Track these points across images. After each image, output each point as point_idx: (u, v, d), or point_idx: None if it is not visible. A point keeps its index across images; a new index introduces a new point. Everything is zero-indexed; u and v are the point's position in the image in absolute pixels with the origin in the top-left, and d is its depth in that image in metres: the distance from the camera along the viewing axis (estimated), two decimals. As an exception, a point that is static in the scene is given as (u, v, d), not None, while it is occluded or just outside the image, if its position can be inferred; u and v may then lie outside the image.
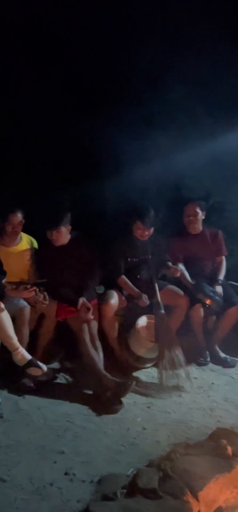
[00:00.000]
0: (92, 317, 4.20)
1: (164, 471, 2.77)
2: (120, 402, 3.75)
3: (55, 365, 4.44)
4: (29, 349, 4.15)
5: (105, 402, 3.76)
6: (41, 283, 4.14)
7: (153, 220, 4.53)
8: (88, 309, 4.14)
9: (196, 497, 2.58)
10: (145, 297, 4.43)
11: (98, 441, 3.26)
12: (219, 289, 4.75)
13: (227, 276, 5.05)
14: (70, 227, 4.26)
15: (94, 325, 4.28)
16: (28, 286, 3.98)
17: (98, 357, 4.06)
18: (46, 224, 4.27)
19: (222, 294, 4.71)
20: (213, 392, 4.07)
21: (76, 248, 4.31)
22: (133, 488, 2.66)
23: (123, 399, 3.82)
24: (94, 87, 5.44)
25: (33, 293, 3.95)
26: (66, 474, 2.90)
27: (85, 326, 4.15)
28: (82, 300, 4.15)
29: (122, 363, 4.45)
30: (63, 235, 4.23)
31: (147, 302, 4.43)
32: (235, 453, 2.97)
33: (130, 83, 5.38)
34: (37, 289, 3.99)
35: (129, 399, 3.86)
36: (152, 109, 5.27)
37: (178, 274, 4.60)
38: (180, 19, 5.20)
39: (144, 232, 4.53)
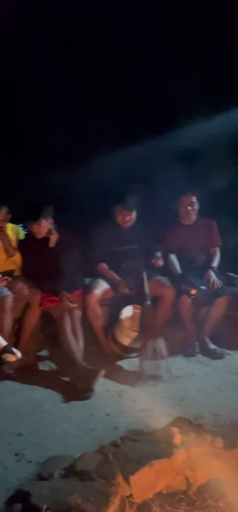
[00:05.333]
0: (74, 305, 4.28)
1: (105, 456, 2.81)
2: (91, 389, 3.81)
3: (44, 352, 4.57)
4: (14, 337, 4.32)
5: (79, 389, 3.83)
6: (11, 272, 4.27)
7: (133, 203, 4.54)
8: (69, 298, 4.22)
9: (127, 481, 2.60)
10: (124, 283, 4.43)
11: (58, 426, 3.34)
12: (211, 276, 4.67)
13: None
14: (51, 220, 4.35)
15: (77, 314, 4.35)
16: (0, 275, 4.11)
17: (77, 345, 4.13)
18: (26, 217, 4.39)
19: (215, 281, 4.62)
20: (190, 383, 4.04)
21: (58, 239, 4.40)
22: (70, 470, 2.73)
23: (98, 387, 3.89)
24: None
25: (5, 282, 4.08)
26: (16, 454, 3.00)
27: (66, 315, 4.23)
28: (62, 291, 4.23)
29: (107, 352, 4.49)
30: (44, 227, 4.32)
31: (126, 289, 4.43)
32: (185, 443, 2.95)
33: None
34: (9, 279, 4.11)
35: (102, 387, 3.92)
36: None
37: (161, 264, 4.58)
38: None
39: (125, 217, 4.55)
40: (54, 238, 4.38)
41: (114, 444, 2.94)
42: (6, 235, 4.40)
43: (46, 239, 4.40)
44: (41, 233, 4.32)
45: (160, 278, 4.70)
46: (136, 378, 4.11)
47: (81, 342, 4.22)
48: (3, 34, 5.68)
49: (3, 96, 6.81)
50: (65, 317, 4.21)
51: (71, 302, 4.26)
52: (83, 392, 3.78)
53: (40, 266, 4.36)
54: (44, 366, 4.35)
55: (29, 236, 4.52)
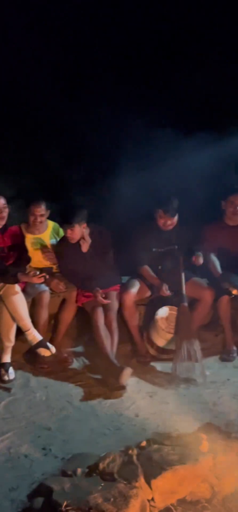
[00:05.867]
0: (107, 301, 4.28)
1: (129, 457, 2.80)
2: (123, 387, 3.81)
3: (79, 348, 4.61)
4: (50, 332, 4.39)
5: (111, 388, 3.84)
6: (49, 270, 4.33)
7: (175, 209, 4.48)
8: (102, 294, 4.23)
9: (149, 485, 2.58)
10: (165, 287, 4.39)
11: (86, 423, 3.37)
12: None
13: None
14: (85, 224, 4.35)
15: (113, 309, 4.34)
16: (37, 272, 4.17)
17: (109, 341, 4.12)
18: (60, 221, 4.44)
19: None
20: (224, 388, 3.93)
21: (93, 241, 4.41)
22: (93, 469, 2.74)
23: (130, 386, 3.88)
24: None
25: (43, 279, 4.15)
26: (43, 449, 3.05)
27: (99, 309, 4.23)
28: (96, 287, 4.26)
29: (141, 352, 4.47)
30: (77, 233, 4.32)
31: (167, 292, 4.39)
32: (212, 450, 2.89)
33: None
34: (47, 276, 4.17)
35: (134, 387, 3.91)
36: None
37: (201, 262, 4.49)
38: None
39: (167, 221, 4.50)
40: (86, 244, 4.39)
41: (139, 446, 2.92)
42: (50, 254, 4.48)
43: (79, 243, 4.40)
44: (74, 238, 4.32)
45: (198, 279, 4.62)
46: (169, 380, 4.07)
47: (116, 338, 4.21)
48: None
49: (52, 101, 6.90)
50: (98, 311, 4.21)
51: (104, 298, 4.25)
52: (114, 391, 3.77)
53: (74, 268, 4.40)
54: (78, 362, 4.37)
55: (64, 238, 4.53)
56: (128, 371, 3.88)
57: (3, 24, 6.34)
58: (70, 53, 6.57)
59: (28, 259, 4.44)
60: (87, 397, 3.78)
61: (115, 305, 4.38)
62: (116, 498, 2.44)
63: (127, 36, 6.61)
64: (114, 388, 3.79)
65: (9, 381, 3.95)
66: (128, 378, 3.90)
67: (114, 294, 4.43)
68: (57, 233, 4.68)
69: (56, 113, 6.29)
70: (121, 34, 6.64)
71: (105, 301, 4.26)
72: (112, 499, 2.42)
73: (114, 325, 4.25)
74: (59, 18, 6.44)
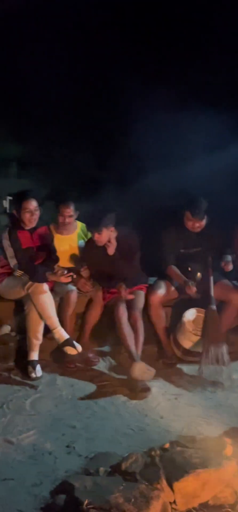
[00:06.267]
0: (131, 296, 4.29)
1: (152, 458, 2.79)
2: (148, 389, 3.80)
3: (105, 348, 4.63)
4: (77, 332, 4.43)
5: (136, 389, 3.84)
6: (76, 269, 4.36)
7: (204, 211, 4.44)
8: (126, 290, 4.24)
9: (171, 487, 2.56)
10: (191, 283, 4.34)
11: (110, 422, 3.38)
12: None
13: None
14: (112, 228, 4.36)
15: (138, 307, 4.33)
16: (65, 272, 4.22)
17: (132, 337, 4.11)
18: (88, 224, 4.48)
19: None
20: (252, 393, 3.87)
21: (119, 244, 4.42)
22: (116, 469, 2.74)
23: (155, 388, 3.88)
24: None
25: (70, 278, 4.19)
26: (67, 446, 3.08)
27: (122, 305, 4.23)
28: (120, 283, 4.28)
29: (168, 354, 4.45)
30: (105, 236, 4.33)
31: (194, 290, 4.33)
32: (237, 455, 2.84)
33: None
34: (74, 275, 4.21)
35: (159, 388, 3.90)
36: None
37: (230, 268, 4.43)
38: None
39: (195, 224, 4.46)
40: (112, 247, 4.40)
41: (163, 448, 2.90)
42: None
43: (105, 246, 4.42)
44: (102, 242, 4.33)
45: (227, 282, 4.56)
46: (195, 382, 4.04)
47: (141, 337, 4.19)
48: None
49: (83, 102, 6.97)
50: (121, 307, 4.20)
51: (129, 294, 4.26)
52: (139, 392, 3.77)
53: (100, 269, 4.43)
54: (104, 362, 4.39)
55: (91, 240, 4.55)
56: (141, 365, 3.86)
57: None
58: (99, 55, 6.60)
59: (57, 259, 4.49)
60: (112, 397, 3.78)
61: (140, 304, 4.37)
62: (137, 498, 2.43)
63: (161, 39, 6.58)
64: (139, 389, 3.78)
65: (36, 378, 4.01)
66: (141, 374, 3.86)
67: (140, 293, 4.43)
68: (85, 234, 4.72)
69: (87, 114, 6.34)
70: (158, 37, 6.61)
71: (130, 296, 4.25)
72: (133, 500, 2.41)
73: (139, 324, 4.23)
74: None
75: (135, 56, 6.51)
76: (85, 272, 4.43)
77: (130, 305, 4.27)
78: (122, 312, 4.15)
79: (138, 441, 3.13)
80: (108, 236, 4.32)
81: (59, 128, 7.49)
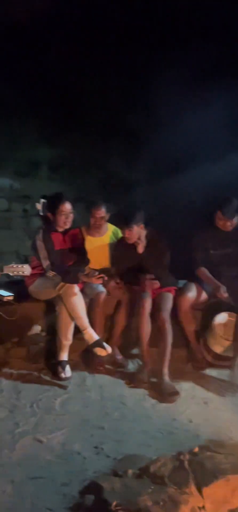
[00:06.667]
0: (157, 285, 4.31)
1: (180, 462, 2.77)
2: (176, 393, 3.78)
3: (135, 351, 4.62)
4: (106, 333, 4.44)
5: (165, 392, 3.82)
6: (107, 270, 4.38)
7: (234, 210, 4.39)
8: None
9: (200, 492, 2.54)
10: (223, 289, 4.29)
11: (139, 425, 3.38)
12: None
13: None
14: (142, 225, 4.37)
15: (166, 309, 4.28)
16: (96, 273, 4.24)
17: (149, 331, 4.13)
18: (119, 223, 4.49)
19: None
20: None
21: (148, 243, 4.42)
22: (144, 471, 2.74)
23: (184, 392, 3.85)
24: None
25: (101, 280, 4.21)
26: (95, 447, 3.09)
27: (148, 298, 4.22)
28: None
29: (198, 358, 4.41)
30: (135, 234, 4.35)
31: (226, 294, 4.28)
32: None
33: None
34: (105, 277, 4.23)
35: (189, 392, 3.87)
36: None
37: None
38: None
39: (226, 223, 4.42)
40: (142, 245, 4.41)
41: (192, 452, 2.87)
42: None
43: (135, 244, 4.42)
44: (132, 239, 4.35)
45: (258, 285, 4.48)
46: (225, 387, 3.99)
47: (169, 339, 4.10)
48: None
49: (114, 102, 6.99)
50: (147, 299, 4.19)
51: (156, 295, 4.26)
52: (169, 395, 3.75)
53: (129, 267, 4.44)
54: (133, 364, 4.38)
55: (121, 239, 4.56)
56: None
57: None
58: (130, 56, 6.61)
59: (88, 261, 4.52)
60: (141, 399, 3.77)
61: (168, 306, 4.33)
62: (166, 502, 2.43)
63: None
64: (169, 393, 3.76)
65: (66, 378, 4.04)
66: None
67: (168, 295, 4.40)
68: (117, 237, 4.74)
69: (116, 117, 6.36)
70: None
71: (156, 285, 4.27)
72: (161, 503, 2.41)
73: (167, 326, 4.20)
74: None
75: (166, 59, 6.48)
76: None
77: (157, 307, 4.25)
78: (147, 304, 4.15)
79: (167, 445, 3.12)
80: (138, 233, 4.34)
81: (89, 131, 7.54)
